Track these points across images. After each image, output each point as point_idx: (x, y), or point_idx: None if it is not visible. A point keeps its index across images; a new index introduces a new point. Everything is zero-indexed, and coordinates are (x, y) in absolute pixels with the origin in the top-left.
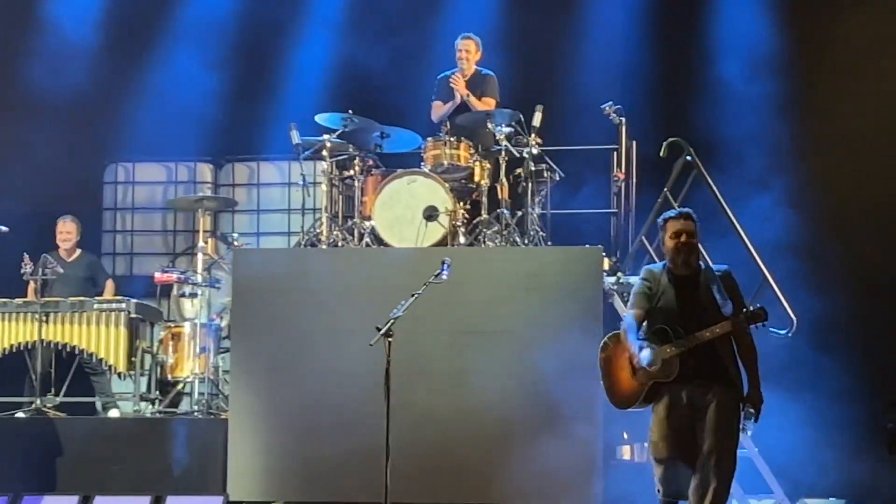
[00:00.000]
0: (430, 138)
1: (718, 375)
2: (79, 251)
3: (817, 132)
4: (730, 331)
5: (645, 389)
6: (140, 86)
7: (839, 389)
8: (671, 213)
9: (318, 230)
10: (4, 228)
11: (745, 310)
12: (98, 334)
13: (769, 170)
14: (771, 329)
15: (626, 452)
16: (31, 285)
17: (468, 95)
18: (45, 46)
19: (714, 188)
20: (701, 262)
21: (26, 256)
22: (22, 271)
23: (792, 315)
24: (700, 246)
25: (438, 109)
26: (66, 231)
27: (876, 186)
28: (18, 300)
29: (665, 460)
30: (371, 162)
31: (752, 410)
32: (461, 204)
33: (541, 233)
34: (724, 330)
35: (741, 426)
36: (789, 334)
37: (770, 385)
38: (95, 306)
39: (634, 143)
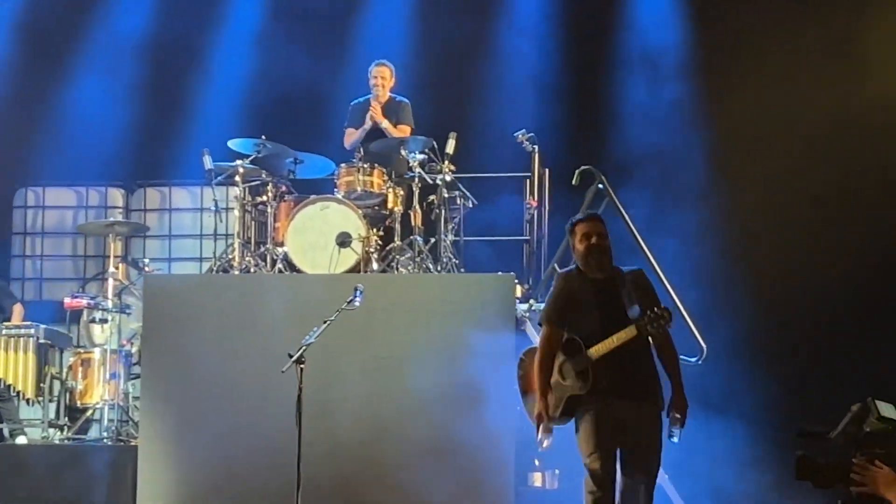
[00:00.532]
0: (343, 164)
1: (641, 391)
2: None
3: (731, 157)
4: (635, 335)
5: (562, 404)
6: (50, 109)
7: (750, 417)
8: (578, 216)
9: (230, 256)
10: None
11: (647, 313)
12: (6, 360)
13: (683, 196)
14: (681, 357)
15: (537, 479)
16: None
17: (384, 122)
18: None
19: (626, 216)
20: (615, 266)
21: None
22: None
23: (702, 343)
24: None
25: (351, 136)
26: None
27: (789, 212)
28: None
29: (600, 472)
30: (284, 188)
31: (678, 416)
32: (374, 230)
33: (454, 259)
34: (629, 335)
35: (669, 434)
36: (699, 362)
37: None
38: (3, 332)
39: (547, 170)
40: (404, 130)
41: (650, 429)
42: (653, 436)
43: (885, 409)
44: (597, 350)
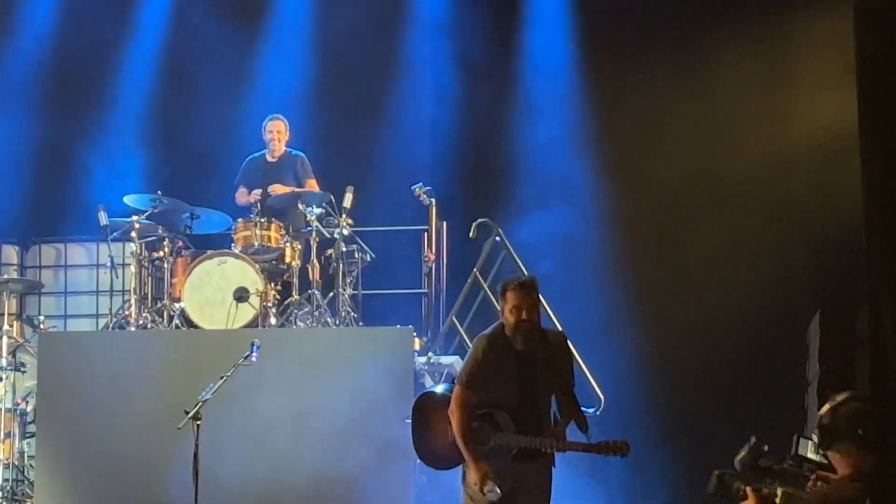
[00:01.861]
0: (240, 219)
1: (538, 451)
2: None
3: (630, 203)
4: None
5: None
6: None
7: (650, 465)
8: (511, 282)
9: (126, 312)
10: None
11: (606, 441)
12: None
13: (581, 246)
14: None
15: None
16: None
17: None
18: None
19: (523, 268)
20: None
21: None
22: None
23: (600, 393)
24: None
25: (242, 197)
26: None
27: (690, 256)
28: None
29: None
30: (181, 243)
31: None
32: (272, 285)
33: (352, 313)
34: (577, 450)
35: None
36: (597, 413)
37: (573, 464)
38: None
39: (444, 223)
40: (312, 185)
41: (543, 484)
42: (545, 490)
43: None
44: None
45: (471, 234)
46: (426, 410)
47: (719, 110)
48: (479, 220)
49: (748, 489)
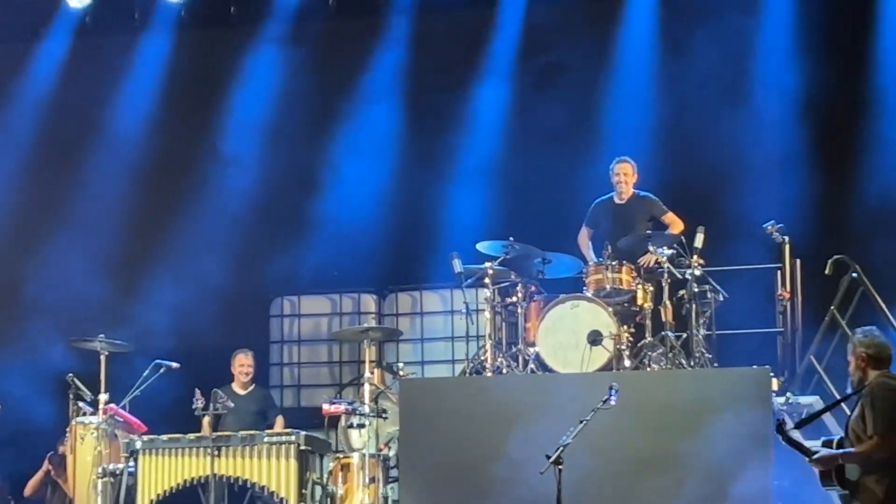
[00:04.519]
0: (591, 263)
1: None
2: (253, 385)
3: None
4: None
5: None
6: (304, 220)
7: None
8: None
9: (482, 357)
10: (175, 365)
11: None
12: (269, 467)
13: None
14: None
15: None
16: (206, 419)
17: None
18: (219, 181)
19: (883, 305)
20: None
21: (198, 392)
22: (193, 407)
23: None
24: None
25: (584, 238)
26: (248, 364)
27: None
28: (191, 435)
29: None
30: (533, 288)
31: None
32: (625, 327)
33: (707, 354)
34: None
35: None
36: None
37: None
38: (266, 439)
39: (798, 261)
40: (673, 219)
41: None
42: None
43: None
44: None
45: (826, 271)
46: None
47: None
48: (836, 257)
49: None
